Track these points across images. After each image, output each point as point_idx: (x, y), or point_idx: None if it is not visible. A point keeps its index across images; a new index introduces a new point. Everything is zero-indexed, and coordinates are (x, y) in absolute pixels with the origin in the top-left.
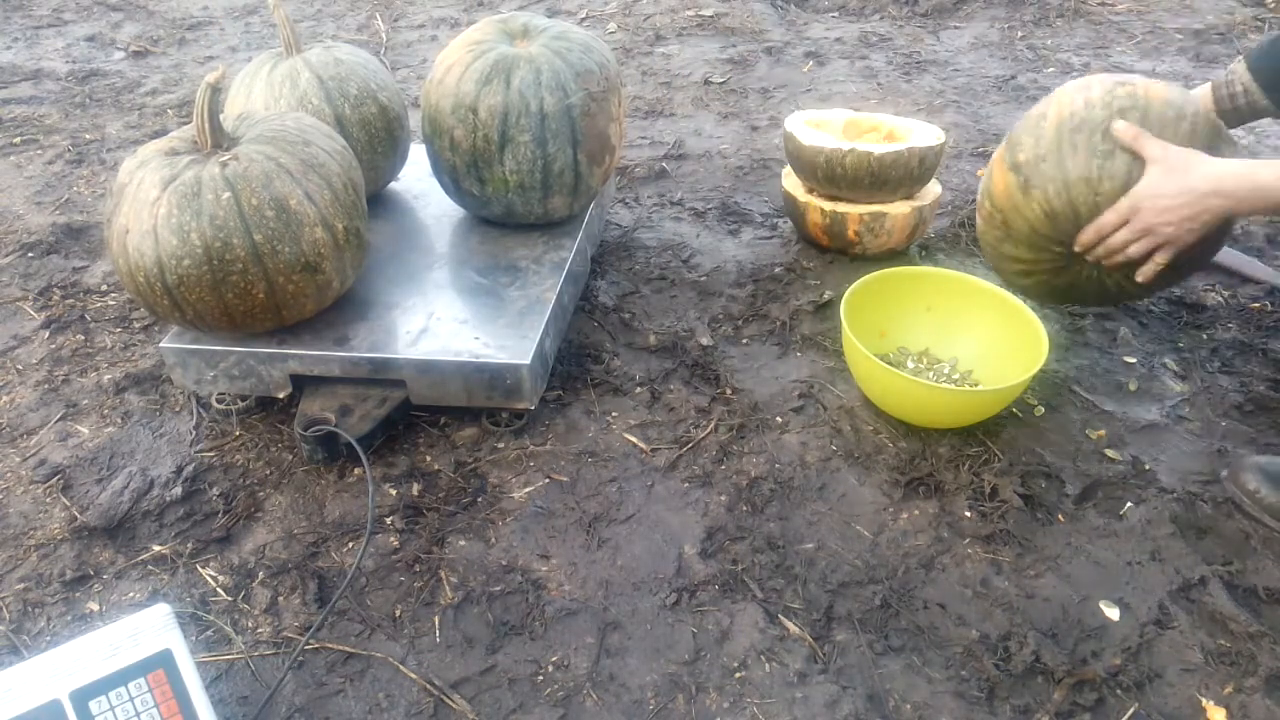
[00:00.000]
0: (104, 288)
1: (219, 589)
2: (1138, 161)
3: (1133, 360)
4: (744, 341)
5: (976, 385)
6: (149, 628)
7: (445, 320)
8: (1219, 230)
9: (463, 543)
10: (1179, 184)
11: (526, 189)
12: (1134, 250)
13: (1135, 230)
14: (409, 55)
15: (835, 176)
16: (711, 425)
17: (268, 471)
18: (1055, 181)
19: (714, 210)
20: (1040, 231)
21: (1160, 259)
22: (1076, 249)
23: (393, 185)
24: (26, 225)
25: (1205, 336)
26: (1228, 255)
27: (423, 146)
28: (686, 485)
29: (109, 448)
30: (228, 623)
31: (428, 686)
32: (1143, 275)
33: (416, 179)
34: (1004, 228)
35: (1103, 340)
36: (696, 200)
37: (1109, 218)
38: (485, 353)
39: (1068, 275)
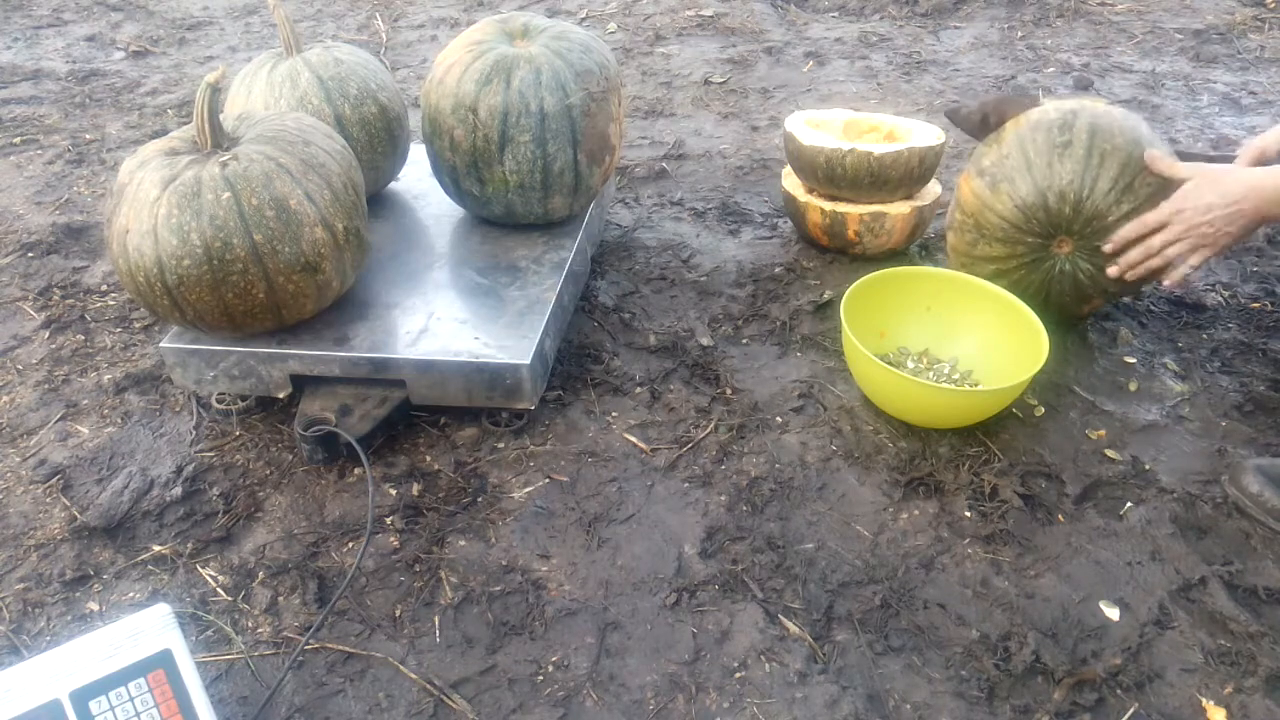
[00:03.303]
0: (104, 288)
1: (219, 589)
2: (1092, 153)
3: (1133, 360)
4: (744, 341)
5: (976, 385)
6: (149, 628)
7: (445, 320)
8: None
9: (463, 543)
10: (1219, 189)
11: (526, 189)
12: (1173, 251)
13: (1177, 231)
14: (409, 55)
15: (835, 176)
16: (711, 425)
17: (268, 471)
18: (1020, 172)
19: (714, 210)
20: (1012, 223)
21: (1195, 261)
22: (1109, 249)
23: (393, 185)
24: (26, 225)
25: (1205, 336)
26: None
27: (423, 146)
28: (686, 485)
29: (109, 448)
30: (228, 623)
31: (428, 686)
32: (1171, 280)
33: (416, 179)
34: (976, 230)
35: (1103, 340)
36: (696, 200)
37: (1150, 217)
38: (485, 353)
39: (1041, 271)
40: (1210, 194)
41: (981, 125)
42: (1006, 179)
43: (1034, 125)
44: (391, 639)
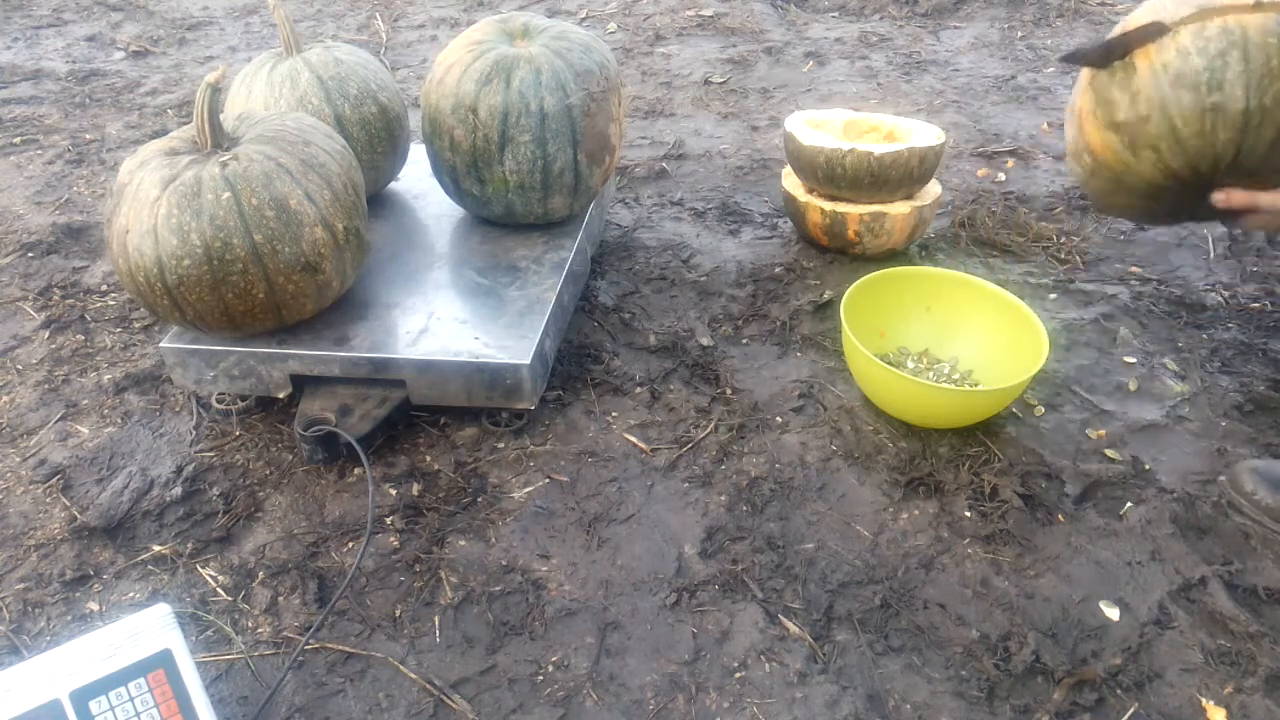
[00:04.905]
0: (104, 288)
1: (219, 589)
2: (1251, 114)
3: (1133, 360)
4: (744, 341)
5: (976, 385)
6: (149, 628)
7: (445, 320)
8: None
9: (463, 543)
10: None
11: (526, 189)
12: (1274, 225)
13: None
14: (409, 55)
15: (835, 176)
16: (711, 425)
17: (268, 471)
18: (1167, 139)
19: (714, 210)
20: (1159, 184)
21: None
22: (1218, 200)
23: (393, 185)
24: (26, 225)
25: (1205, 336)
26: None
27: (423, 146)
28: (686, 485)
29: (109, 448)
30: (228, 623)
31: (428, 686)
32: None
33: (416, 179)
34: (1115, 182)
35: (1103, 340)
36: (696, 200)
37: (1264, 199)
38: (485, 353)
39: (1182, 200)
40: None
41: (1105, 55)
42: (1150, 146)
43: (1175, 78)
44: (391, 639)
